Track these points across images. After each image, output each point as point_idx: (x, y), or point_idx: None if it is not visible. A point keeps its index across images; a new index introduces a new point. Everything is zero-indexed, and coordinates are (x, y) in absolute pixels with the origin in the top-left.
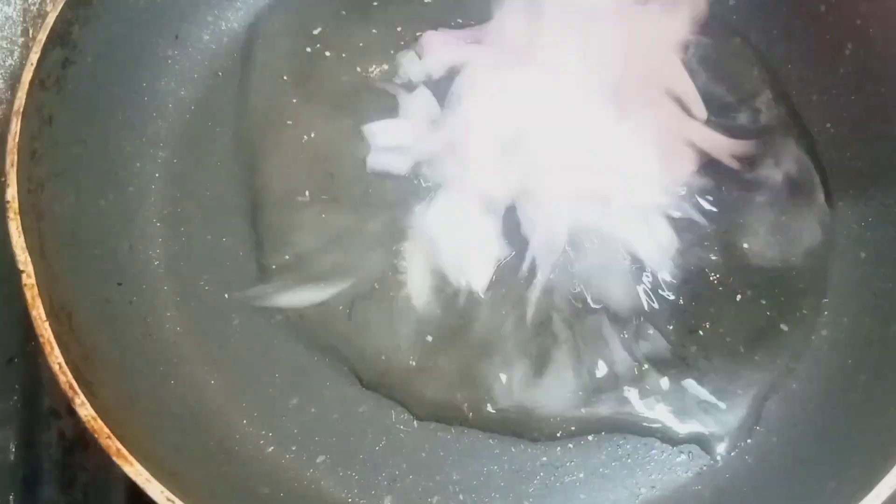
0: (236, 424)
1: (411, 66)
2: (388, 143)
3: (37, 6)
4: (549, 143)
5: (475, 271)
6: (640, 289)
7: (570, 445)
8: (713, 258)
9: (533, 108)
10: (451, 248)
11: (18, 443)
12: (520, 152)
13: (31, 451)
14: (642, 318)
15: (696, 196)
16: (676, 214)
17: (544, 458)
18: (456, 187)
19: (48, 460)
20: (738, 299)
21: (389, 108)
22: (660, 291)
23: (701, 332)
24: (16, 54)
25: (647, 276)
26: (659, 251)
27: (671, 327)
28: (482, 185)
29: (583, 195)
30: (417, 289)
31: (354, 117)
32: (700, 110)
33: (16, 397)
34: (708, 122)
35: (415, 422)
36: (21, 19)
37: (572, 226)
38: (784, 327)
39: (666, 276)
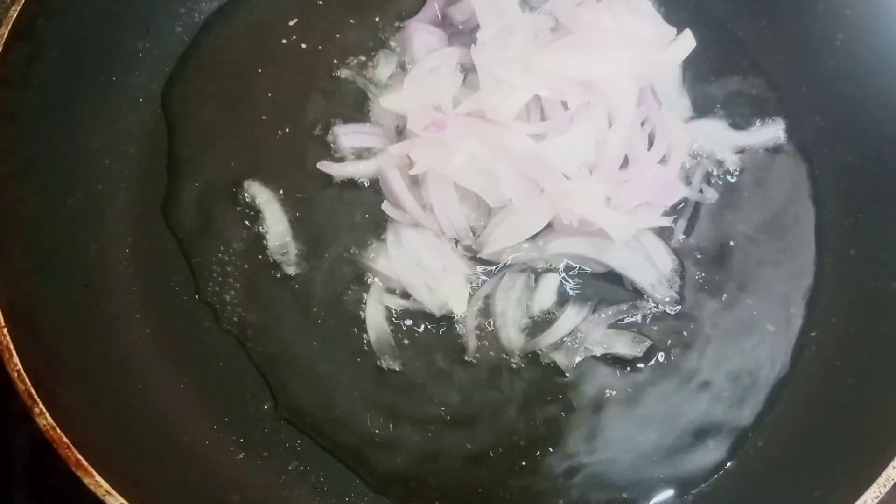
0: (206, 430)
1: (387, 61)
2: (354, 146)
3: None
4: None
5: (452, 294)
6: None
7: None
8: (699, 256)
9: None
10: (419, 279)
11: None
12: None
13: (2, 455)
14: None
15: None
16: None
17: None
18: (415, 218)
19: (18, 464)
20: (723, 298)
21: (363, 105)
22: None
23: (685, 333)
24: None
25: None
26: (656, 275)
27: (655, 328)
28: (444, 219)
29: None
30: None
31: (330, 112)
32: (686, 107)
33: None
34: (693, 118)
35: (390, 425)
36: None
37: (565, 253)
38: (770, 328)
39: (660, 293)
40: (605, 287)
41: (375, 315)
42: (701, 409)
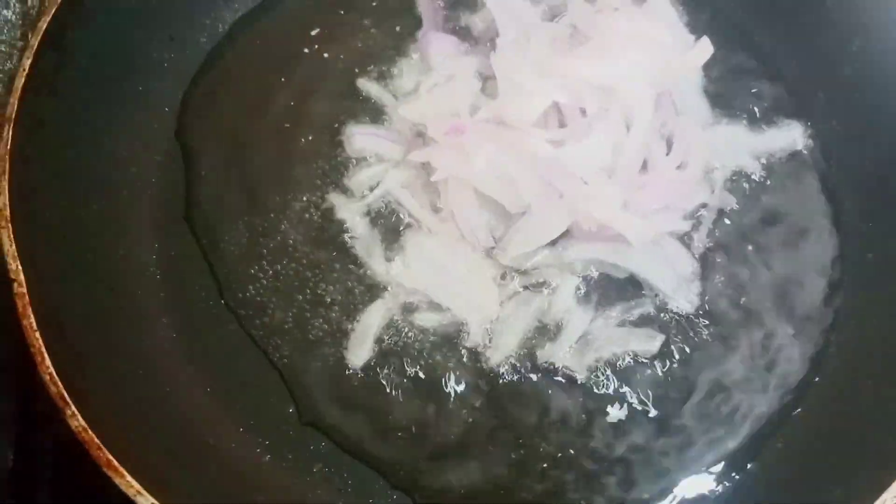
0: (231, 433)
1: (408, 70)
2: (367, 148)
3: (36, 9)
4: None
5: (481, 297)
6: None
7: None
8: (719, 260)
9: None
10: (444, 286)
11: (15, 448)
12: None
13: (27, 456)
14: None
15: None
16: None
17: None
18: (431, 226)
19: (44, 465)
20: (742, 302)
21: (384, 114)
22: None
23: (705, 336)
24: (14, 58)
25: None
26: (677, 279)
27: (674, 331)
28: (465, 225)
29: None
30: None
31: (352, 121)
32: (705, 113)
33: (11, 402)
34: (713, 123)
35: (413, 427)
36: (20, 22)
37: (585, 259)
38: (790, 330)
39: (680, 297)
40: (610, 285)
41: (371, 320)
42: (721, 410)
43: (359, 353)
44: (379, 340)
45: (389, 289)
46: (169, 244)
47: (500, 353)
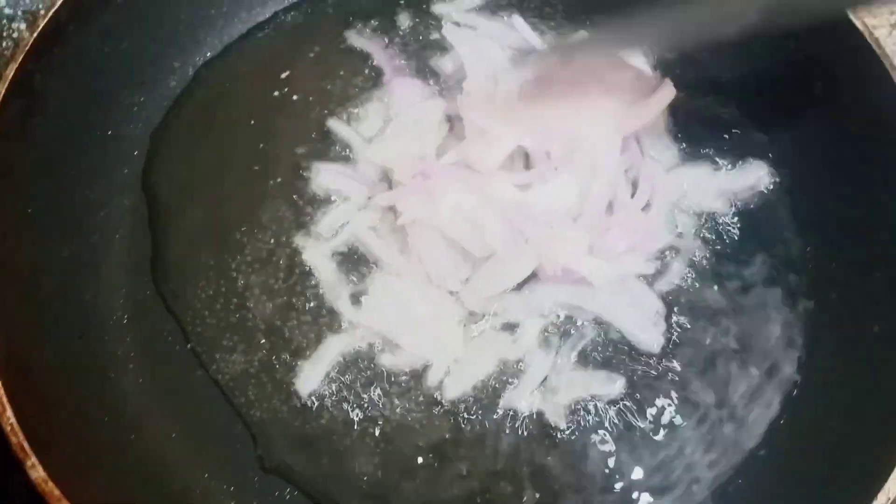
0: (197, 478)
1: (376, 114)
2: (331, 187)
3: (10, 51)
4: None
5: (446, 338)
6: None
7: None
8: (683, 301)
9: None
10: (410, 327)
11: None
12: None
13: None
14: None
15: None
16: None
17: None
18: (397, 268)
19: None
20: (707, 343)
21: (352, 156)
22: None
23: (671, 376)
24: None
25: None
26: (642, 320)
27: (640, 372)
28: (432, 268)
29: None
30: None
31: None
32: (670, 154)
33: None
34: (679, 165)
35: (379, 472)
36: None
37: (551, 301)
38: (755, 371)
39: (647, 339)
40: (574, 329)
41: (327, 350)
42: (687, 452)
43: (308, 381)
44: (347, 386)
45: (354, 328)
46: (137, 289)
47: (456, 391)
